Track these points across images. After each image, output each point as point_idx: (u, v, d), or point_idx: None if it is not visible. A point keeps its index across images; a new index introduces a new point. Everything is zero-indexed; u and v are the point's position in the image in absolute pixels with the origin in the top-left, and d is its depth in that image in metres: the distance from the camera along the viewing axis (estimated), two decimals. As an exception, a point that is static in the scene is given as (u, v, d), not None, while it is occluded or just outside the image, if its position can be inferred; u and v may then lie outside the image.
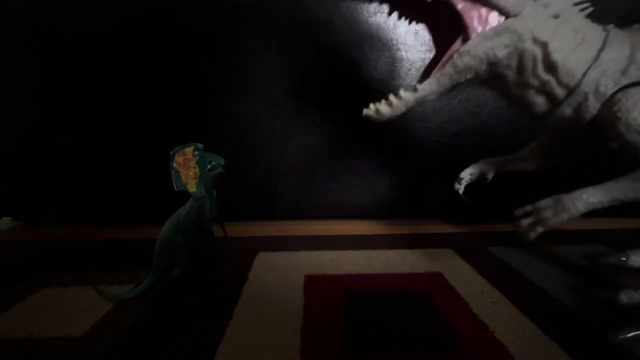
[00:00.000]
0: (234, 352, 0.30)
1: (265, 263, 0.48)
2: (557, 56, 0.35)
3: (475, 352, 0.30)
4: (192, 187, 0.40)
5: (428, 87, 0.36)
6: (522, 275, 0.44)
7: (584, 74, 0.35)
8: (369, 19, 0.60)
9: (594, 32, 0.36)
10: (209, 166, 0.40)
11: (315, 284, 0.42)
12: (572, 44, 0.35)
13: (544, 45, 0.35)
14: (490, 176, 0.51)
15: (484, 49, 0.34)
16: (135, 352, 0.30)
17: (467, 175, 0.51)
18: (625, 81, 0.35)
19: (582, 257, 0.50)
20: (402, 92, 0.36)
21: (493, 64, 0.35)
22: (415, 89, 0.36)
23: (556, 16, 0.34)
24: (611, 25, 0.38)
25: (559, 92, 0.37)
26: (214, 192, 0.43)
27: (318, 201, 0.68)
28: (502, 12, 0.33)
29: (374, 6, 0.59)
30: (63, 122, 0.64)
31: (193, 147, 0.40)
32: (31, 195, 0.68)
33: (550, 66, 0.35)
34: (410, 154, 0.66)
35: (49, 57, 0.61)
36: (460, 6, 0.34)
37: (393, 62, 0.61)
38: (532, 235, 0.38)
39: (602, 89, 0.35)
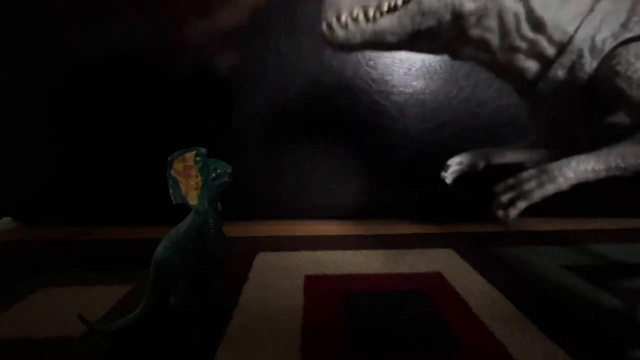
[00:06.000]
0: (234, 352, 0.30)
1: (265, 263, 0.48)
2: (543, 11, 0.31)
3: (475, 352, 0.30)
4: (193, 200, 0.33)
5: (388, 22, 0.32)
6: (522, 275, 0.44)
7: (577, 29, 0.32)
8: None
9: None
10: (213, 174, 0.33)
11: (315, 284, 0.42)
12: None
13: (525, 1, 0.31)
14: (481, 167, 0.46)
15: None
16: (135, 352, 0.30)
17: (455, 163, 0.46)
18: (626, 35, 0.31)
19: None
20: (361, 16, 0.32)
21: (458, 17, 0.31)
22: (374, 19, 0.32)
23: None
24: None
25: (550, 51, 0.33)
26: (220, 204, 0.36)
27: (318, 201, 0.68)
28: None
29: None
30: (63, 121, 0.64)
31: (195, 152, 0.33)
32: (31, 195, 0.68)
33: (537, 23, 0.32)
34: (410, 153, 0.66)
35: (47, 56, 0.61)
36: None
37: (393, 62, 0.62)
38: (513, 212, 0.32)
39: (599, 44, 0.32)
